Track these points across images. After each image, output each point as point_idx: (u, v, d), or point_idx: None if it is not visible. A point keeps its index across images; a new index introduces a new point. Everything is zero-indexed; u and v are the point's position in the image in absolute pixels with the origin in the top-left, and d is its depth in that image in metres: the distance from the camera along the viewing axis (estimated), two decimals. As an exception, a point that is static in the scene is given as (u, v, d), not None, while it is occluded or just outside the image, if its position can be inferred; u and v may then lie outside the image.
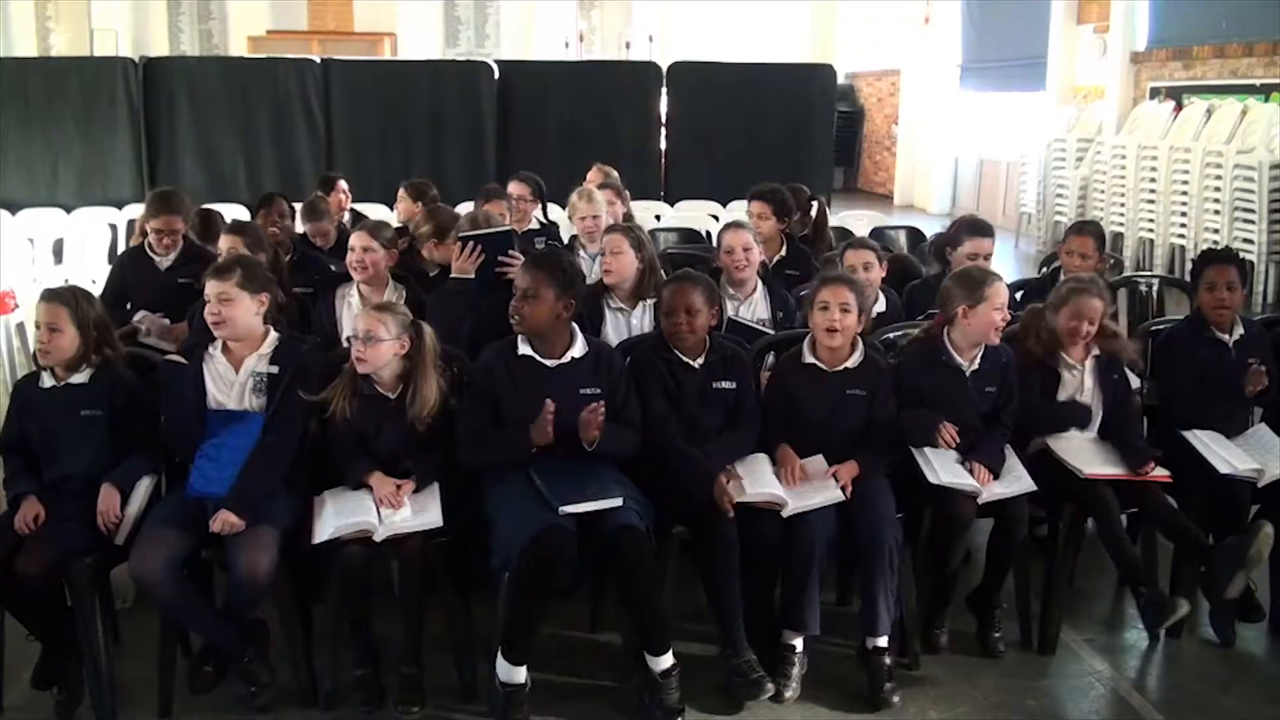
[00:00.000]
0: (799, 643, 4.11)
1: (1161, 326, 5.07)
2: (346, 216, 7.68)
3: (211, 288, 4.06)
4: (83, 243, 9.13)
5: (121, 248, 8.85)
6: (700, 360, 4.34)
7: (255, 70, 12.35)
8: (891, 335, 4.84)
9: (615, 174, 7.92)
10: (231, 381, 4.06)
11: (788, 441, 4.30)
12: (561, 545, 3.78)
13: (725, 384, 4.36)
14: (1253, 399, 4.71)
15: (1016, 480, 4.29)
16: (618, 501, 3.92)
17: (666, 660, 3.90)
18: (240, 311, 4.06)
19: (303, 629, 4.04)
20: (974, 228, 5.55)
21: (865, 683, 4.11)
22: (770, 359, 4.72)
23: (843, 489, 4.12)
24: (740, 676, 3.96)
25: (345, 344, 4.23)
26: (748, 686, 3.95)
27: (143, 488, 3.99)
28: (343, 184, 8.15)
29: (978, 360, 4.44)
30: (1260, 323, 4.99)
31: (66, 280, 7.96)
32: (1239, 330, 4.74)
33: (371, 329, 4.04)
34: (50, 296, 4.11)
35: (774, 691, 4.00)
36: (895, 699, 4.05)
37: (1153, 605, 4.26)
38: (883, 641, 4.11)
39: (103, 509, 3.88)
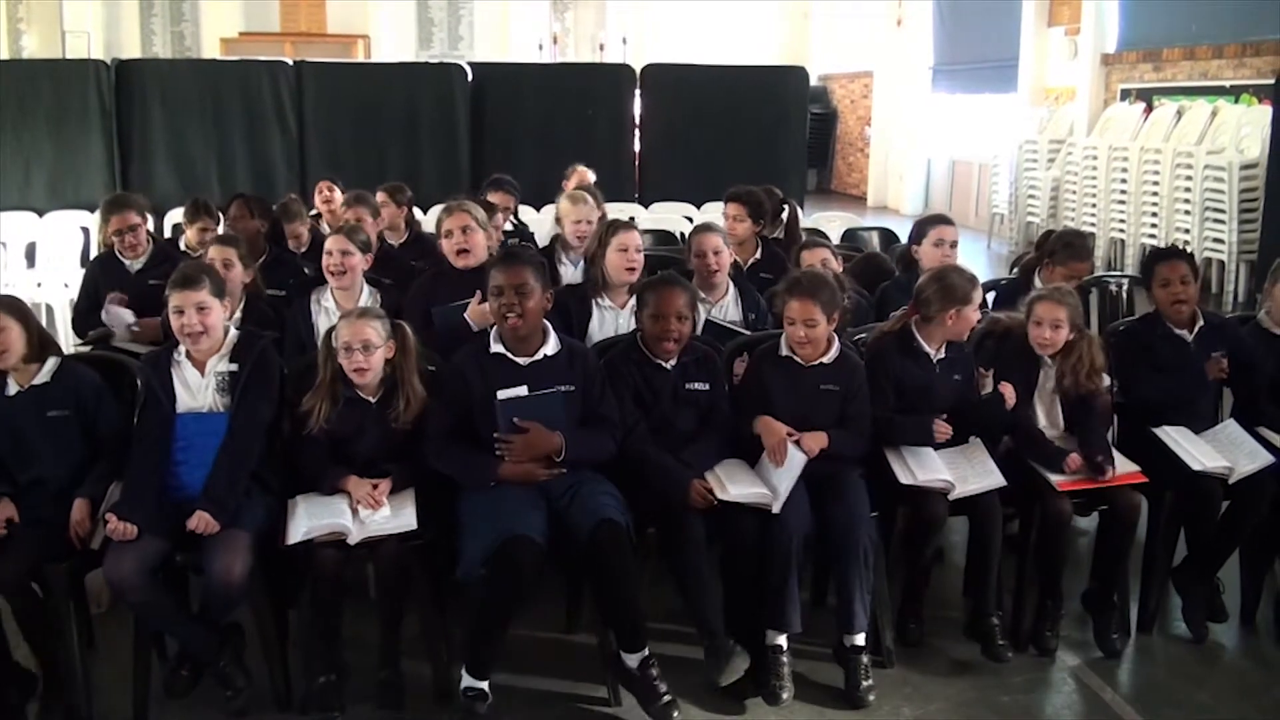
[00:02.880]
0: (783, 641, 4.11)
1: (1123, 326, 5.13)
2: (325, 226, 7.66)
3: (186, 299, 4.00)
4: (55, 246, 9.09)
5: (93, 251, 8.81)
6: (672, 362, 4.35)
7: (228, 73, 12.29)
8: (861, 335, 4.86)
9: (593, 175, 7.94)
10: (199, 385, 4.04)
11: (747, 422, 4.31)
12: (525, 557, 3.77)
13: (698, 385, 4.37)
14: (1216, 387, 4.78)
15: (988, 475, 4.32)
16: (561, 388, 4.00)
17: (644, 654, 3.91)
18: (216, 319, 4.05)
19: (278, 632, 4.03)
20: (935, 218, 5.69)
21: (842, 680, 4.13)
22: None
23: (807, 453, 4.13)
24: (714, 655, 3.99)
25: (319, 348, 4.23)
26: (720, 660, 3.97)
27: (116, 494, 3.95)
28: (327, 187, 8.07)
29: (944, 349, 4.52)
30: (1234, 319, 5.03)
31: (39, 285, 7.99)
32: (1199, 324, 4.76)
33: (367, 337, 4.05)
34: None
35: (770, 695, 4.03)
36: (871, 696, 4.08)
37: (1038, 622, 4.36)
38: (860, 639, 4.14)
39: (75, 521, 3.87)
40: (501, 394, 3.93)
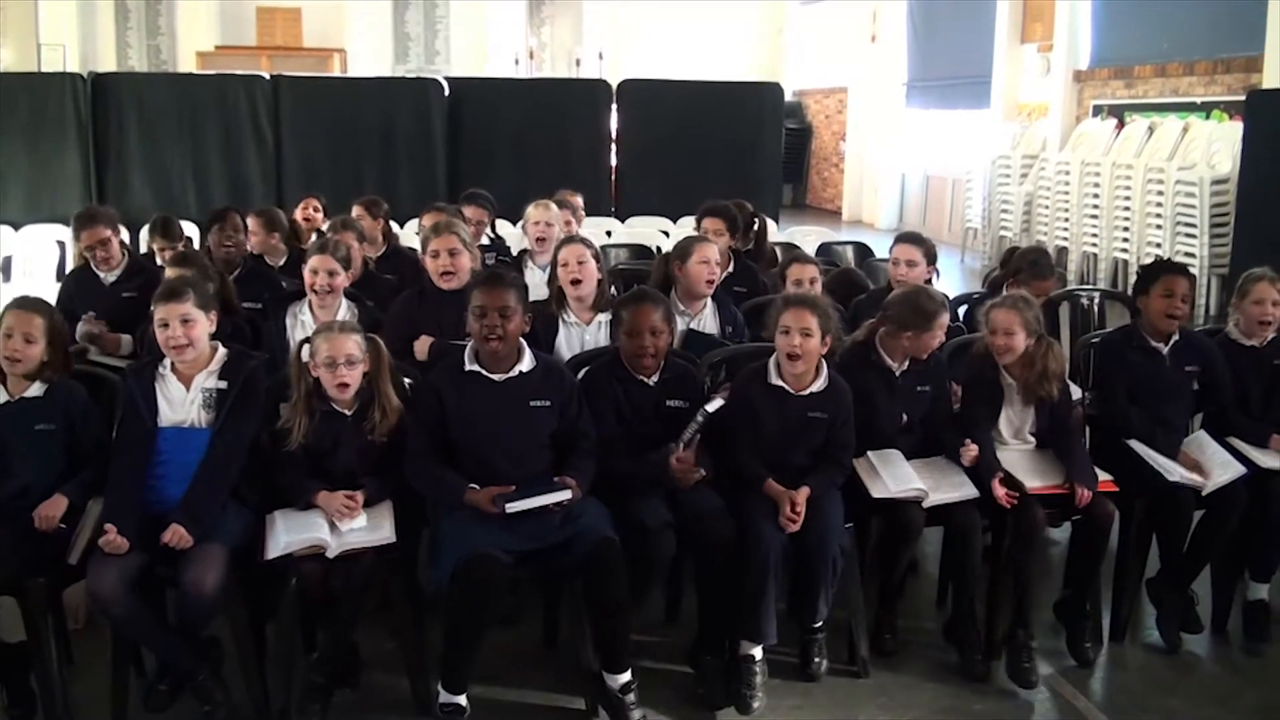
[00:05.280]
0: (758, 652, 4.14)
1: (1098, 338, 5.18)
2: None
3: (170, 311, 4.00)
4: (31, 260, 9.04)
5: (69, 264, 8.77)
6: (655, 378, 4.37)
7: (204, 87, 12.25)
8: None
9: (580, 199, 7.98)
10: (183, 399, 4.03)
11: (750, 460, 4.32)
12: (489, 573, 3.78)
13: (678, 403, 4.39)
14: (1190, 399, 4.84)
15: (961, 486, 4.37)
16: (566, 495, 3.95)
17: (625, 676, 3.95)
18: (201, 331, 4.04)
19: (256, 646, 4.02)
20: (900, 236, 5.83)
21: (818, 688, 4.22)
22: (722, 374, 4.79)
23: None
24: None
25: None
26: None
27: (95, 507, 3.95)
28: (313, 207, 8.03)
29: (907, 363, 4.57)
30: (1201, 333, 5.10)
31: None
32: (1174, 338, 4.81)
33: (350, 351, 4.06)
34: (28, 306, 4.12)
35: (742, 704, 4.06)
36: (824, 668, 4.26)
37: (1014, 653, 4.34)
38: (818, 625, 4.28)
39: (44, 513, 3.86)
40: (510, 507, 3.90)
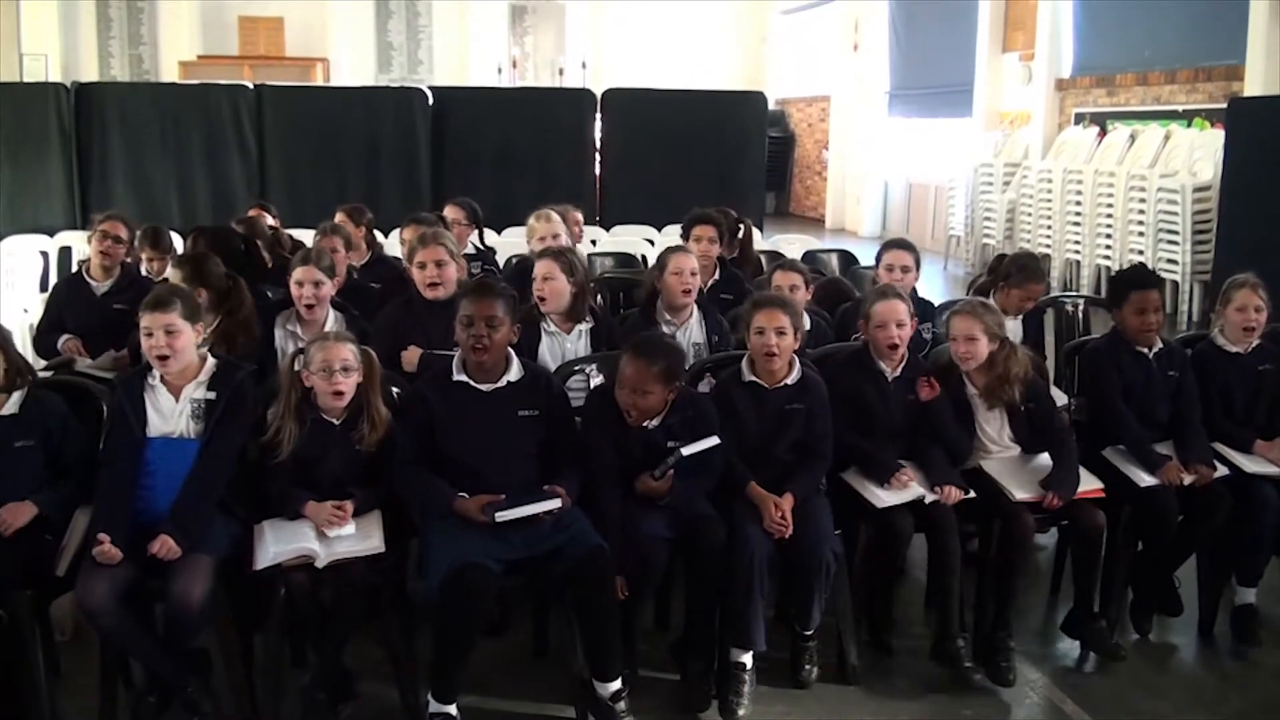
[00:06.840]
0: (747, 659, 4.16)
1: (1085, 343, 5.20)
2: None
3: (155, 320, 3.97)
4: (14, 270, 8.99)
5: (53, 275, 8.75)
6: (656, 422, 4.24)
7: (188, 96, 12.24)
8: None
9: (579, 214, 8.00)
10: (172, 410, 4.01)
11: (733, 461, 4.31)
12: (478, 582, 3.77)
13: (676, 443, 4.22)
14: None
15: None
16: (555, 504, 3.95)
17: (616, 684, 3.95)
18: (185, 342, 4.01)
19: (244, 658, 4.01)
20: (890, 243, 5.83)
21: (806, 695, 4.24)
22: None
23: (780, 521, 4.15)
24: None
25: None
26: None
27: (82, 518, 3.93)
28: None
29: (900, 368, 4.58)
30: (1180, 340, 5.12)
31: (-1, 309, 7.90)
32: (1157, 345, 4.85)
33: (345, 358, 4.06)
34: None
35: (727, 710, 4.08)
36: (815, 675, 4.29)
37: (992, 654, 4.39)
38: (810, 633, 4.31)
39: (5, 516, 3.80)
40: (499, 516, 3.88)
